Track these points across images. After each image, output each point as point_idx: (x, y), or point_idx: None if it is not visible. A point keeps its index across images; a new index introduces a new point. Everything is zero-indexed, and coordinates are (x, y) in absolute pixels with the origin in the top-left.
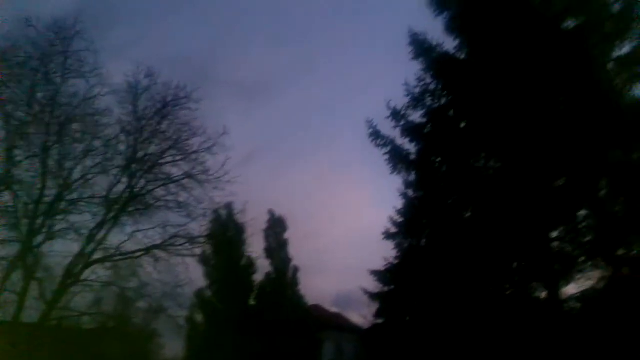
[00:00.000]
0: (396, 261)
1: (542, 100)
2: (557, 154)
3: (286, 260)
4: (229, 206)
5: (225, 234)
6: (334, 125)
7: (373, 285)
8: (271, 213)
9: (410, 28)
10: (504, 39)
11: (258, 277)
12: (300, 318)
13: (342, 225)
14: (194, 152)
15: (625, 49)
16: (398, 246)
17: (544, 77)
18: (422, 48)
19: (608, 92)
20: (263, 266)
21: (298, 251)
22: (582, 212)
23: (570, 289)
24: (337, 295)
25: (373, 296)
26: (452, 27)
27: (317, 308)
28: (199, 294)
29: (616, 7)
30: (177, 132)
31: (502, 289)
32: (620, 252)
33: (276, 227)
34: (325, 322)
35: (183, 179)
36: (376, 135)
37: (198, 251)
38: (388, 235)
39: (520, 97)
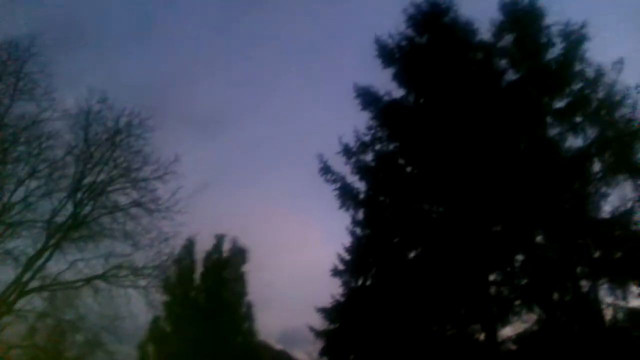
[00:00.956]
0: (342, 299)
1: (482, 149)
2: (496, 200)
3: (242, 293)
4: (188, 237)
5: (183, 264)
6: (286, 160)
7: (319, 323)
8: (234, 242)
9: (355, 83)
10: (447, 91)
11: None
12: (250, 355)
13: (290, 259)
14: (144, 179)
15: (563, 102)
16: (345, 284)
17: (485, 128)
18: (368, 99)
19: (545, 143)
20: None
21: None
22: (519, 257)
23: (507, 331)
24: (283, 332)
25: (318, 334)
26: (399, 79)
27: (262, 344)
28: (154, 324)
29: (555, 63)
30: (128, 159)
31: (443, 330)
32: (555, 296)
33: (237, 258)
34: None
35: (131, 207)
36: (326, 171)
37: (142, 282)
38: (336, 272)
39: (462, 146)
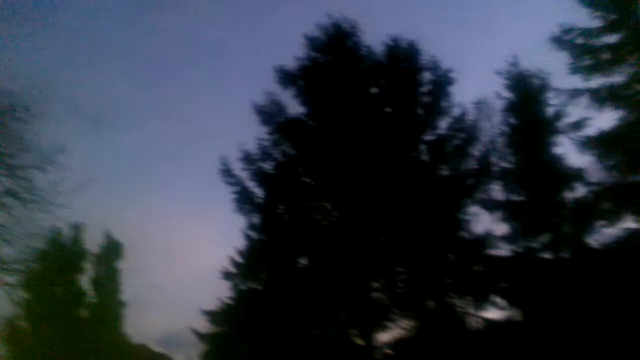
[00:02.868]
0: (231, 302)
1: (371, 167)
2: (382, 213)
3: (115, 292)
4: (60, 230)
5: (55, 259)
6: (184, 161)
7: (204, 326)
8: (107, 236)
9: (253, 101)
10: (343, 109)
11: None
12: (120, 358)
13: (182, 261)
14: (21, 167)
15: (433, 135)
16: (235, 287)
17: (372, 148)
18: (267, 117)
19: (420, 167)
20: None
21: (129, 284)
22: (401, 268)
23: (384, 337)
24: (165, 335)
25: (202, 337)
26: (300, 98)
27: (142, 347)
28: (9, 325)
29: (427, 99)
30: (5, 144)
31: (325, 335)
32: (430, 304)
33: (110, 254)
34: None
35: (3, 196)
36: (227, 173)
37: (9, 279)
38: (226, 275)
39: (354, 162)
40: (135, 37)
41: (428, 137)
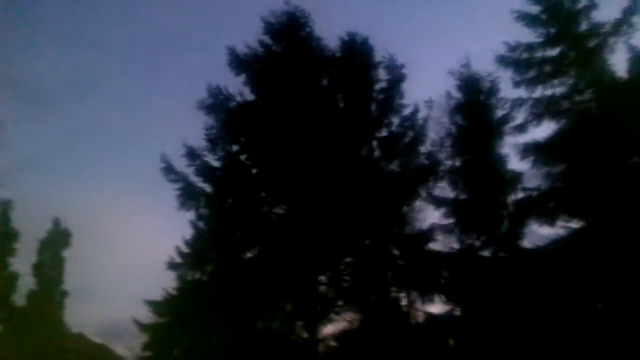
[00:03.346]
0: (175, 293)
1: (321, 160)
2: (331, 207)
3: (57, 281)
4: None
5: None
6: (135, 149)
7: (146, 316)
8: (56, 223)
9: (209, 83)
10: (295, 100)
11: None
12: (57, 347)
13: (124, 250)
14: None
15: (385, 132)
16: (180, 278)
17: (323, 141)
18: (215, 105)
19: (371, 163)
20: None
21: (71, 273)
22: (347, 260)
23: (329, 329)
24: (106, 325)
25: (144, 328)
26: (251, 86)
27: (80, 337)
28: None
29: (381, 96)
30: None
31: (270, 327)
32: (374, 298)
33: (56, 242)
34: (86, 354)
35: None
36: (169, 171)
37: None
38: (172, 266)
39: (304, 154)
40: (84, 18)
41: (380, 133)
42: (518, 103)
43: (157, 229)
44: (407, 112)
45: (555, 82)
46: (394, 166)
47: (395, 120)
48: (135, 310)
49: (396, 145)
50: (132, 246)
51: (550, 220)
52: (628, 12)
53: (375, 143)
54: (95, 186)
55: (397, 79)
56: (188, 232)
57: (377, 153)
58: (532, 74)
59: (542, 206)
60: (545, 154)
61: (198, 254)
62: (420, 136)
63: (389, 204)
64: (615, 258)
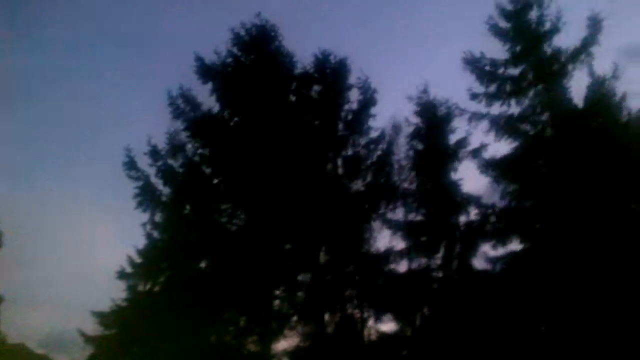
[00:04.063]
0: (124, 304)
1: (283, 174)
2: (289, 221)
3: None
4: None
5: None
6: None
7: (92, 328)
8: None
9: (169, 90)
10: (261, 113)
11: None
12: None
13: (72, 257)
14: None
15: (351, 151)
16: (130, 288)
17: (287, 156)
18: (181, 110)
19: (333, 180)
20: None
21: (8, 278)
22: (303, 276)
23: (282, 345)
24: (49, 335)
25: (89, 339)
26: (218, 95)
27: (19, 347)
28: None
29: (349, 116)
30: None
31: (222, 341)
32: (328, 314)
33: None
34: None
35: None
36: (131, 166)
37: None
38: (122, 275)
39: (266, 167)
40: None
41: (346, 152)
42: (477, 117)
43: (110, 238)
44: (374, 134)
45: (513, 100)
46: (357, 185)
47: (362, 141)
48: (82, 320)
49: (360, 164)
50: (83, 253)
51: (501, 241)
52: (586, 42)
53: (339, 161)
54: (40, 190)
55: (367, 102)
56: (141, 242)
57: (340, 170)
58: (492, 88)
59: (493, 226)
60: (501, 171)
61: (150, 263)
62: (384, 158)
63: (348, 221)
64: (556, 279)
